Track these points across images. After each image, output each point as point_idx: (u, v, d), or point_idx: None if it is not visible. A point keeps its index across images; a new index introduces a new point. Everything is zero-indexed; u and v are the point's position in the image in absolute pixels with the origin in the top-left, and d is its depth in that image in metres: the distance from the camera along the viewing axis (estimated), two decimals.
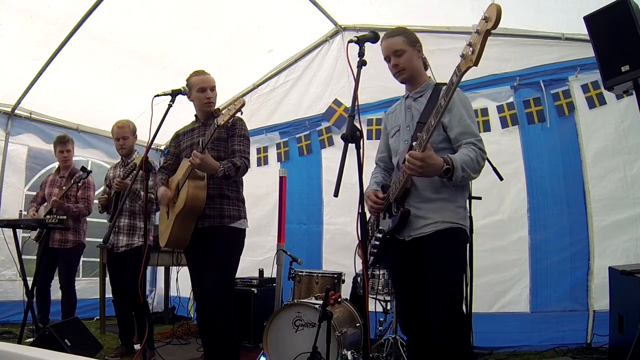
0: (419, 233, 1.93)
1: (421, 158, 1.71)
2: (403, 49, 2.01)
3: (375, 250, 2.07)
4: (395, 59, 2.03)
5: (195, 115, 2.87)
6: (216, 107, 2.83)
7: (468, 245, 2.04)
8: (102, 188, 5.55)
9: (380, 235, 2.04)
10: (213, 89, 2.73)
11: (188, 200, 2.48)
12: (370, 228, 2.21)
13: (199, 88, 2.71)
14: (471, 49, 1.48)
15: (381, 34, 1.95)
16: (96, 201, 3.98)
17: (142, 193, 3.33)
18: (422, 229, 1.93)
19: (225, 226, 2.59)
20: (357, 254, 3.97)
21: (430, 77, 2.13)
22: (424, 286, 1.94)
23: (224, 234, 2.59)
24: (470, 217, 2.45)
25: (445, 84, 1.89)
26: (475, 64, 1.48)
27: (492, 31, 1.44)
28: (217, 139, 2.66)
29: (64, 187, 3.88)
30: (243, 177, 2.78)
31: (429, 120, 1.74)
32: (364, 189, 1.73)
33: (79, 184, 3.93)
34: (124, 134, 3.61)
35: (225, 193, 2.63)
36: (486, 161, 1.94)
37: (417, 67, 2.06)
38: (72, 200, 4.06)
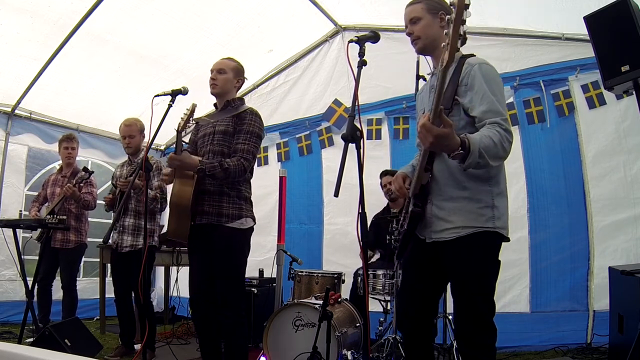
0: (440, 237, 1.77)
1: (436, 135, 1.47)
2: (419, 16, 1.85)
3: (398, 244, 2.00)
4: (411, 27, 1.88)
5: (214, 104, 2.78)
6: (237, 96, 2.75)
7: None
8: (105, 186, 5.61)
9: (401, 230, 1.97)
10: (221, 71, 2.64)
11: (174, 197, 2.49)
12: (398, 222, 2.09)
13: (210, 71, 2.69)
14: (447, 39, 1.39)
15: (381, 34, 1.94)
16: (100, 201, 3.98)
17: (148, 191, 3.32)
18: (442, 233, 1.76)
19: (223, 226, 2.51)
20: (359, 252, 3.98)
21: (459, 49, 1.81)
22: (431, 288, 1.88)
23: (222, 235, 2.51)
24: None
25: (472, 55, 1.80)
26: (450, 53, 1.36)
27: (467, 19, 1.30)
28: (224, 133, 2.58)
29: (72, 181, 3.86)
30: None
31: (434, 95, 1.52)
32: (365, 188, 1.70)
33: (82, 184, 3.93)
34: (130, 132, 3.59)
35: (225, 190, 2.54)
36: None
37: (435, 36, 1.82)
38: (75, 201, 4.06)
